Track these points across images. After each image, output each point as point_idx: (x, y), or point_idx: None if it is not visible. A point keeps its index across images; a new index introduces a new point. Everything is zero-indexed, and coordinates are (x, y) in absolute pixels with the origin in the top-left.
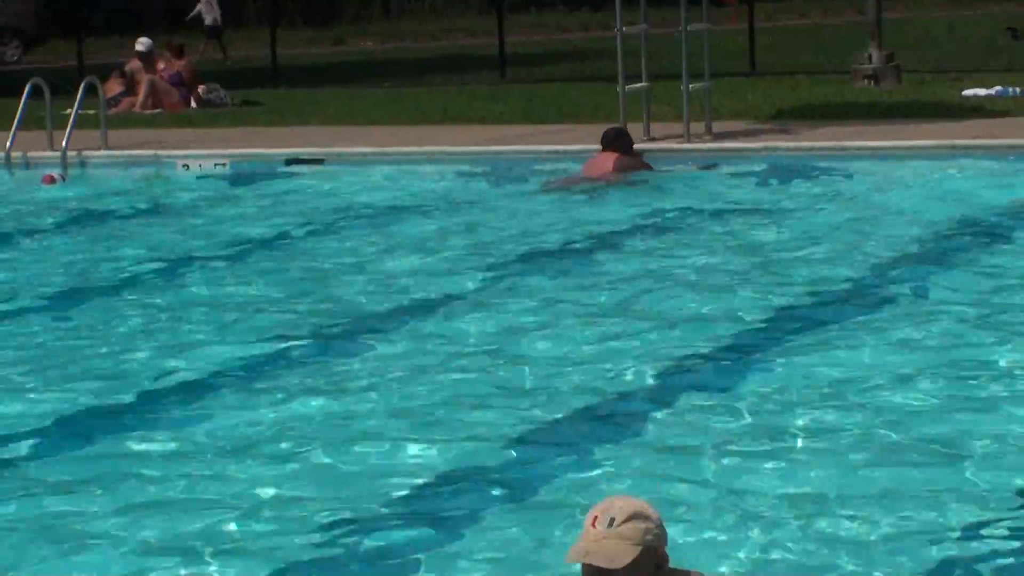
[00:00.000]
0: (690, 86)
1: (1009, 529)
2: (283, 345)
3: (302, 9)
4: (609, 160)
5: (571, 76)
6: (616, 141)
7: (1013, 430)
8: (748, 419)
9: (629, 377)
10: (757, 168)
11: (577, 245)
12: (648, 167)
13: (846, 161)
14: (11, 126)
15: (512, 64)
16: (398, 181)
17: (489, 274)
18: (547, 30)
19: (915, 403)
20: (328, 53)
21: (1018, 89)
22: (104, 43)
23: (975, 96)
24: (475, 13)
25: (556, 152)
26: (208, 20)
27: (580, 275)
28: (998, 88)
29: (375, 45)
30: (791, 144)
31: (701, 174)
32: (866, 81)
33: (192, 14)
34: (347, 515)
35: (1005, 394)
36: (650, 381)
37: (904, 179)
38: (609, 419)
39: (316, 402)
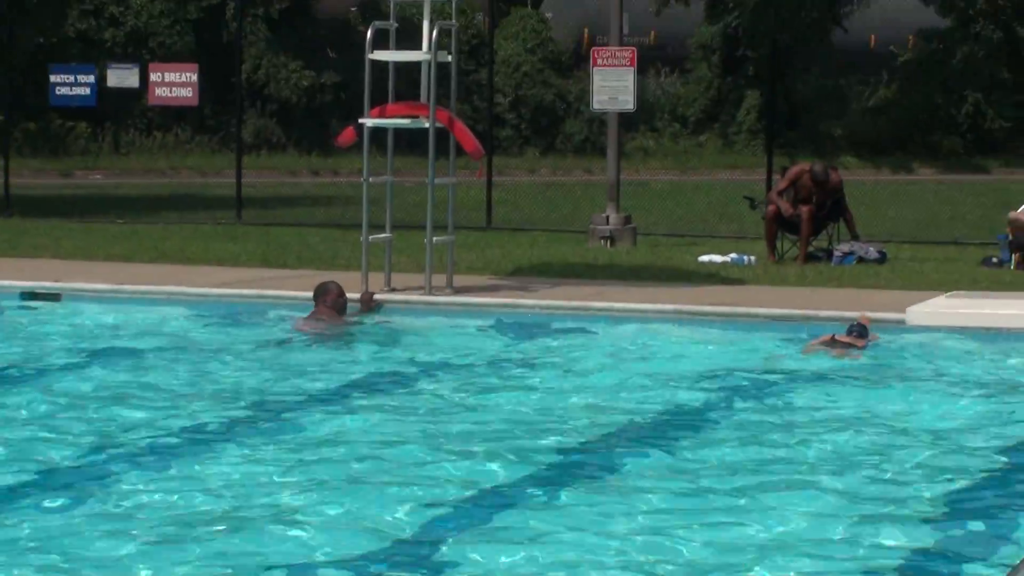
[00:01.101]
0: (434, 239)
1: None
2: None
3: (29, 138)
4: (324, 312)
5: (307, 220)
6: (323, 296)
7: None
8: None
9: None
10: (496, 323)
11: (298, 395)
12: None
13: (586, 321)
14: None
15: (246, 206)
16: (135, 319)
17: (223, 418)
18: (277, 172)
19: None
20: (58, 184)
21: (753, 257)
22: None
23: (711, 262)
24: (207, 152)
25: (294, 298)
26: None
27: (292, 430)
28: (733, 255)
29: (104, 178)
30: (531, 301)
31: (437, 325)
32: (603, 241)
33: None
34: None
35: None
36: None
37: (642, 342)
38: None
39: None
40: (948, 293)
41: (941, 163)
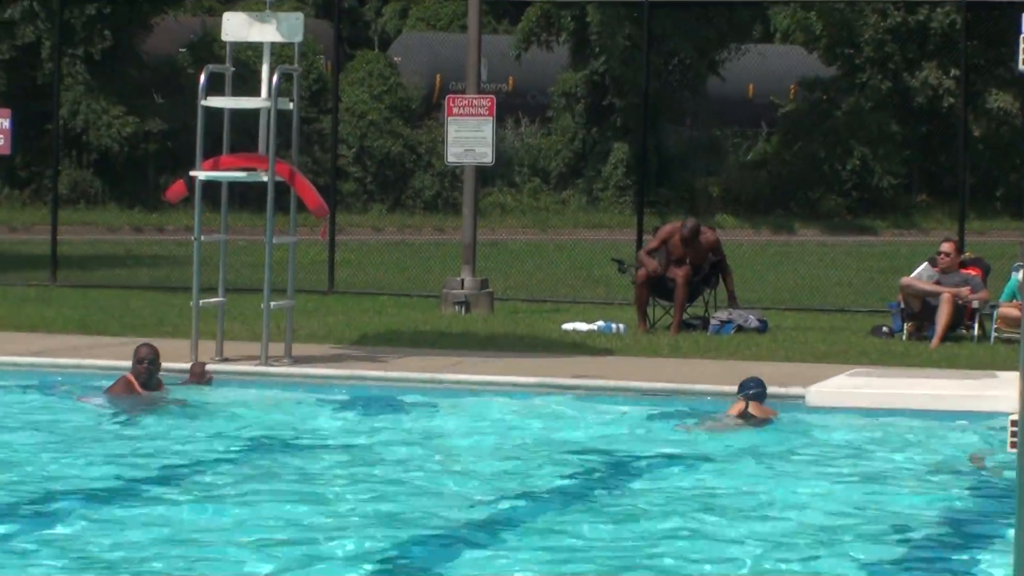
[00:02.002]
0: (271, 304)
1: None
2: None
3: None
4: (121, 387)
5: (130, 282)
6: (134, 363)
7: None
8: None
9: None
10: (341, 398)
11: (88, 479)
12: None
13: (439, 395)
14: None
15: (61, 265)
16: None
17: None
18: (97, 229)
19: None
20: None
21: (622, 326)
22: None
23: (576, 330)
24: (18, 206)
25: (115, 368)
26: None
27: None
28: (600, 323)
29: None
30: (379, 373)
31: (274, 398)
32: (457, 307)
33: None
34: None
35: None
36: None
37: (499, 417)
38: None
39: None
40: (849, 371)
41: (825, 223)
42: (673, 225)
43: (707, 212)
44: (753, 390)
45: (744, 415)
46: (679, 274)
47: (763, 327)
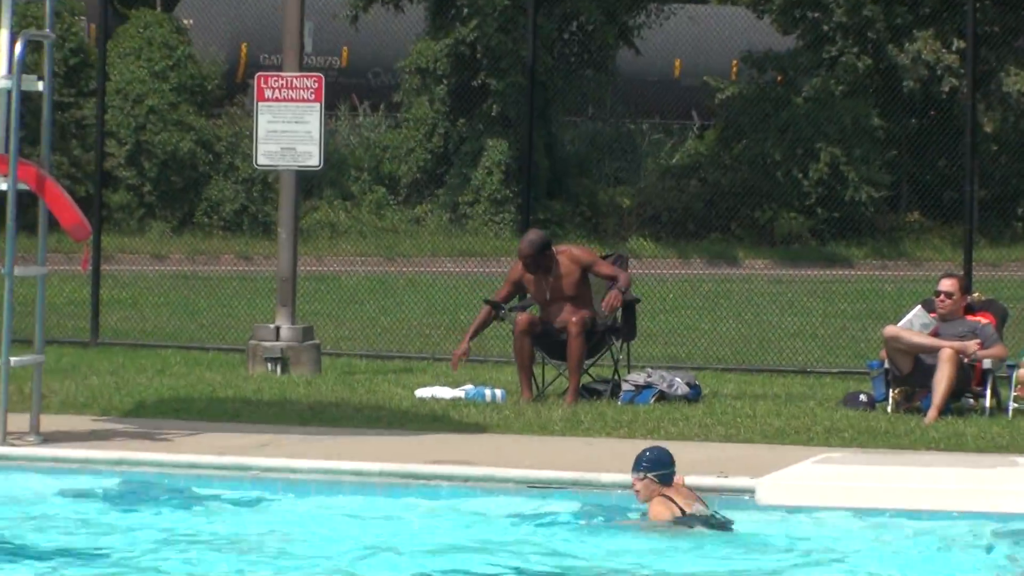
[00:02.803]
0: (11, 360)
1: None
2: None
3: None
4: None
5: None
6: None
7: None
8: None
9: None
10: (107, 488)
11: None
12: None
13: (244, 486)
14: None
15: None
16: None
17: None
18: None
19: None
20: None
21: (499, 391)
22: None
23: (435, 398)
24: None
25: None
26: None
27: None
28: (469, 387)
29: None
30: (160, 456)
31: (12, 489)
32: (270, 365)
33: None
34: None
35: None
36: None
37: (328, 518)
38: None
39: None
40: (815, 457)
41: (780, 251)
42: (564, 250)
43: (616, 235)
44: (653, 470)
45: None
46: (572, 321)
47: (694, 394)
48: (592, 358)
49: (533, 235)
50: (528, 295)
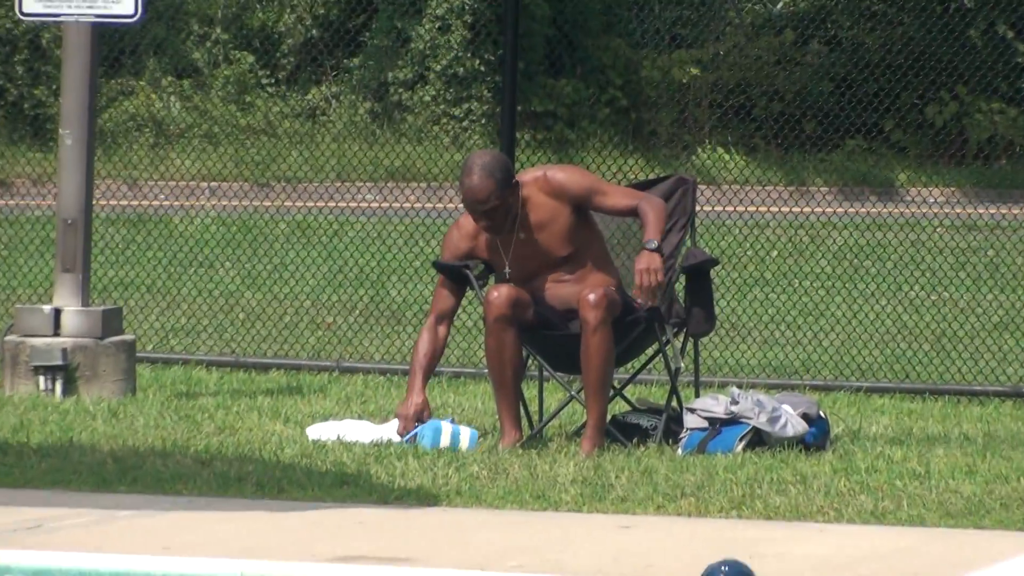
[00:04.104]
0: None
1: None
2: None
3: None
4: None
5: None
6: None
7: None
8: None
9: None
10: None
11: None
12: None
13: None
14: None
15: None
16: None
17: None
18: None
19: None
20: None
21: (467, 432)
22: None
23: (342, 441)
24: None
25: None
26: None
27: None
28: (417, 427)
29: None
30: None
31: None
32: (45, 380)
33: None
34: None
35: None
36: None
37: None
38: None
39: None
40: None
41: (972, 171)
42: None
43: (674, 141)
44: None
45: None
46: (588, 300)
47: (817, 434)
48: (629, 367)
49: (478, 163)
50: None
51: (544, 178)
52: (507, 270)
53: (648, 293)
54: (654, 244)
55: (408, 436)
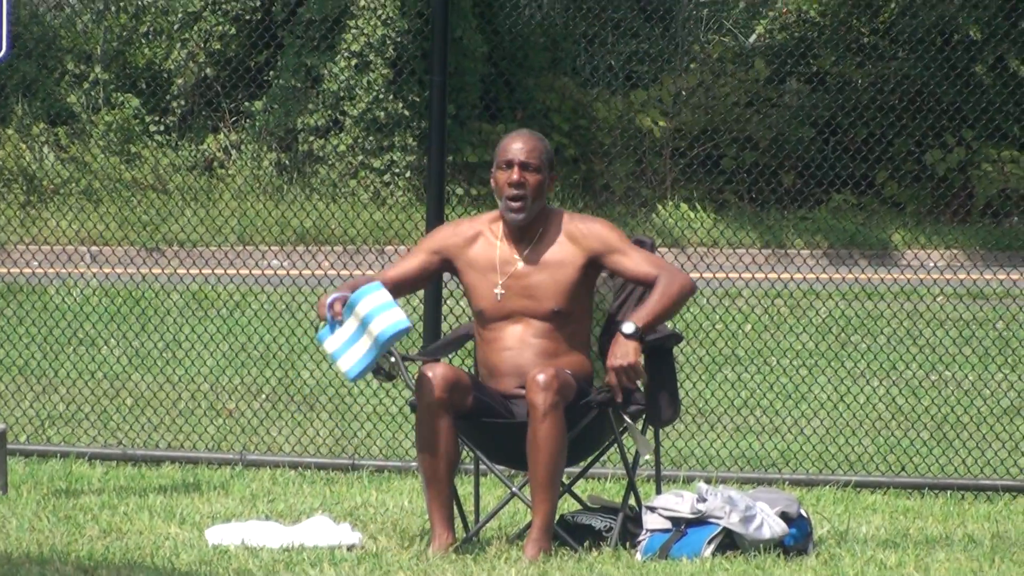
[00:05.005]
0: None
1: None
2: None
3: None
4: None
5: None
6: None
7: None
8: None
9: None
10: None
11: None
12: None
13: None
14: None
15: None
16: None
17: None
18: None
19: None
20: None
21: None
22: None
23: (246, 547)
24: None
25: None
26: None
27: None
28: (322, 519)
29: None
30: None
31: None
32: None
33: None
34: None
35: None
36: None
37: None
38: None
39: None
40: None
41: (978, 231)
42: (456, 225)
43: (629, 197)
44: None
45: None
46: (537, 380)
47: (797, 537)
48: (583, 459)
49: (525, 130)
50: (463, 293)
51: (570, 218)
52: (498, 290)
53: (617, 387)
54: (632, 329)
55: (324, 540)
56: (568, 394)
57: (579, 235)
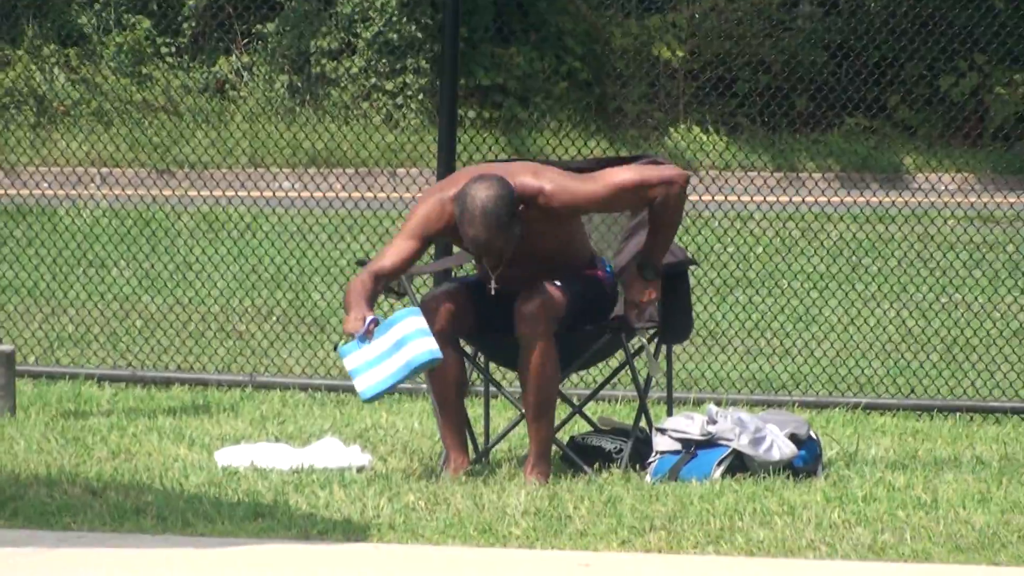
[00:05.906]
0: None
1: None
2: None
3: None
4: None
5: None
6: None
7: None
8: None
9: None
10: None
11: None
12: None
13: None
14: None
15: None
16: None
17: None
18: None
19: None
20: None
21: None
22: None
23: (255, 468)
24: None
25: None
26: None
27: None
28: (332, 442)
29: None
30: None
31: None
32: None
33: None
34: None
35: None
36: None
37: None
38: None
39: None
40: None
41: (990, 155)
42: (450, 185)
43: (642, 120)
44: None
45: None
46: (524, 314)
47: (807, 458)
48: (590, 380)
49: (480, 209)
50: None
51: (543, 194)
52: (492, 284)
53: (640, 314)
54: (653, 275)
55: (334, 463)
56: (557, 316)
57: (560, 209)
